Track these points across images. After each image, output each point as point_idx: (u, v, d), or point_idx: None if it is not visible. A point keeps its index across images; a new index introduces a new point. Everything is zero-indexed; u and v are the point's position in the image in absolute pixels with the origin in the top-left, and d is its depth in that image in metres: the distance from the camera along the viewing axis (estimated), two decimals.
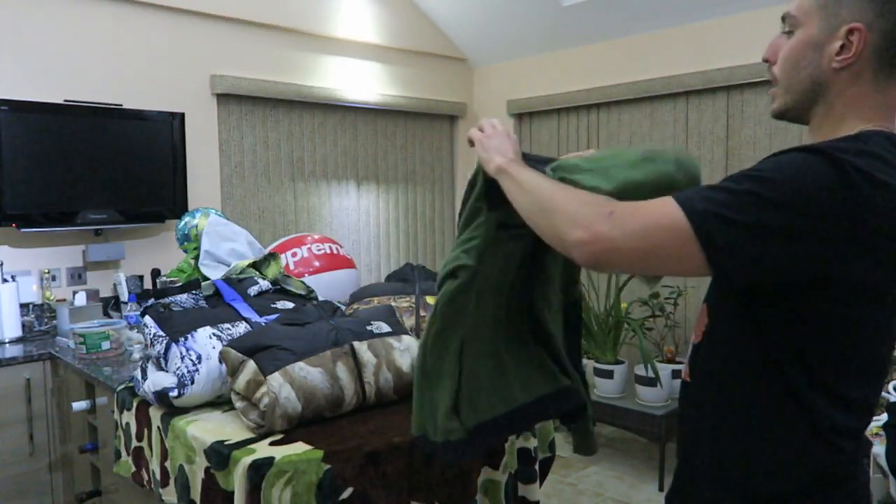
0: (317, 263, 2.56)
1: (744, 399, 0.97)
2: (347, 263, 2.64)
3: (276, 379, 1.51)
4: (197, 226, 2.51)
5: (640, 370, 3.45)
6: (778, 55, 1.01)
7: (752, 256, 0.85)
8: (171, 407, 1.65)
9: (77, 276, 3.22)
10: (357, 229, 4.38)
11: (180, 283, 2.02)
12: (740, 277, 0.88)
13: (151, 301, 1.82)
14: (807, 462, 0.94)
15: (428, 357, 1.23)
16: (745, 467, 0.97)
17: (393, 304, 2.09)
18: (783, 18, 1.01)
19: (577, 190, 1.03)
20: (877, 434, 2.16)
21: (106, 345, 2.41)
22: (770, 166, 0.87)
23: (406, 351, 1.74)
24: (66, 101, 3.09)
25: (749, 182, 0.85)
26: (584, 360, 3.81)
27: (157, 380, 1.67)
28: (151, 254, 3.42)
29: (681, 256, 0.88)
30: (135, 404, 1.80)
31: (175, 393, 1.62)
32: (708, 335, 1.04)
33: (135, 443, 1.81)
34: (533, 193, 1.05)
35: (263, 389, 1.50)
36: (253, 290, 1.93)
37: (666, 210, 0.88)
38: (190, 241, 2.53)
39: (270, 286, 2.00)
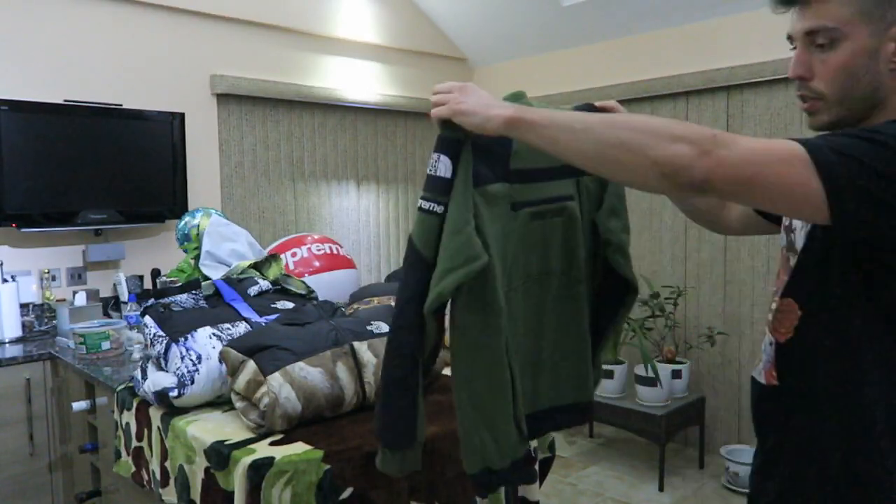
0: (317, 263, 2.56)
1: (876, 387, 0.92)
2: (347, 263, 2.64)
3: (276, 379, 1.51)
4: (198, 226, 2.51)
5: (640, 370, 3.45)
6: (814, 71, 0.97)
7: (876, 200, 0.81)
8: (171, 407, 1.65)
9: (77, 276, 3.22)
10: (357, 229, 4.39)
11: (180, 283, 2.02)
12: (860, 225, 0.83)
13: (151, 301, 1.82)
14: None
15: (474, 379, 1.08)
16: (886, 470, 0.92)
17: (393, 304, 2.09)
18: (808, 33, 0.97)
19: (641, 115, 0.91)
20: None
21: (106, 345, 2.41)
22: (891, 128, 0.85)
23: None
24: (66, 101, 3.09)
25: (872, 133, 0.83)
26: None
27: (157, 380, 1.67)
28: (151, 254, 3.41)
29: (796, 190, 0.82)
30: (135, 404, 1.80)
31: (175, 393, 1.62)
32: (804, 329, 0.99)
33: (135, 443, 1.81)
34: (589, 130, 0.90)
35: (263, 389, 1.50)
36: (253, 290, 1.93)
37: (780, 142, 0.83)
38: (190, 241, 2.53)
39: (270, 286, 2.00)
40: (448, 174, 1.02)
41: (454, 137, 1.03)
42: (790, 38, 1.01)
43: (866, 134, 0.84)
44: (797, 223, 1.05)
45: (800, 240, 1.03)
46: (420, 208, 1.04)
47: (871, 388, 0.93)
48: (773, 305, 1.06)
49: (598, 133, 0.89)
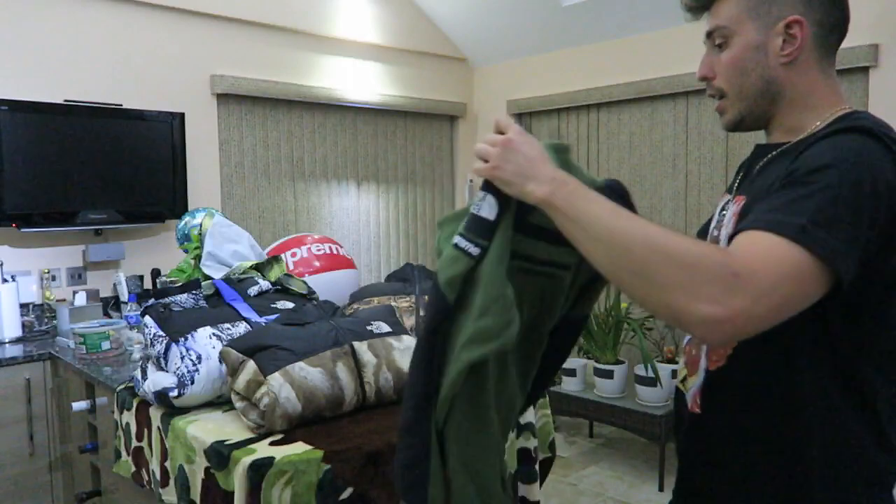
0: (317, 263, 2.56)
1: (799, 422, 0.91)
2: (347, 264, 2.64)
3: (276, 379, 1.51)
4: (199, 226, 2.50)
5: (640, 370, 3.45)
6: (715, 70, 1.02)
7: (864, 251, 0.81)
8: (171, 407, 1.65)
9: (77, 276, 3.21)
10: (357, 229, 4.38)
11: (180, 283, 2.02)
12: (852, 279, 0.81)
13: (151, 301, 1.82)
14: (867, 468, 0.92)
15: (469, 439, 0.99)
16: (792, 486, 0.92)
17: (393, 304, 2.09)
18: (709, 34, 1.02)
19: (667, 231, 0.82)
20: None
21: (106, 345, 2.41)
22: (833, 156, 0.84)
23: (406, 351, 1.74)
24: (66, 101, 3.09)
25: (832, 178, 0.81)
26: (584, 360, 3.82)
27: (157, 380, 1.67)
28: (151, 254, 3.41)
29: (812, 292, 0.81)
30: (135, 404, 1.80)
31: (175, 393, 1.62)
32: (737, 359, 0.95)
33: (135, 443, 1.81)
34: (610, 241, 0.83)
35: (263, 389, 1.50)
36: (253, 291, 1.93)
37: (784, 252, 0.79)
38: (190, 241, 2.53)
39: (270, 286, 2.00)
40: (492, 216, 0.95)
41: None
42: (704, 42, 1.06)
43: (835, 187, 0.81)
44: (722, 233, 1.01)
45: None
46: (455, 245, 0.96)
47: (804, 426, 0.91)
48: None
49: (618, 250, 0.82)
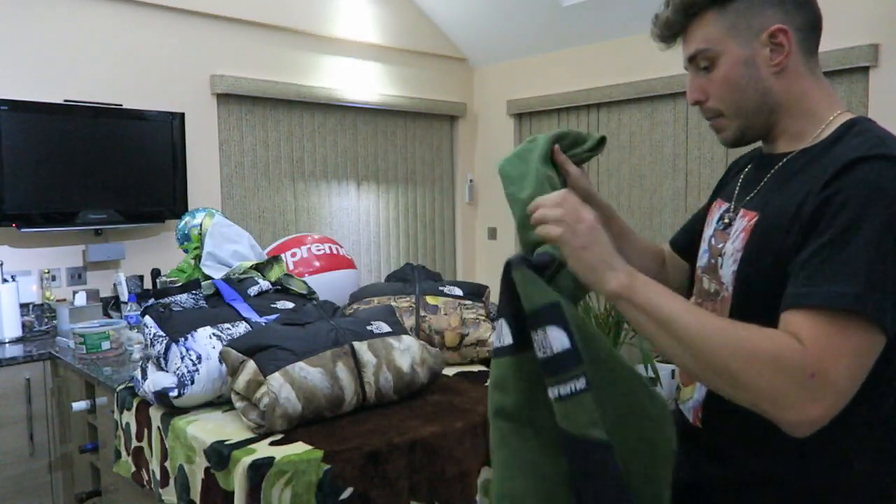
0: (317, 263, 2.56)
1: (806, 438, 0.87)
2: (347, 264, 2.64)
3: (276, 379, 1.51)
4: (199, 226, 2.50)
5: (640, 370, 3.45)
6: (707, 93, 1.01)
7: None
8: (171, 407, 1.65)
9: (77, 276, 3.21)
10: (357, 229, 4.38)
11: (180, 283, 2.02)
12: None
13: (151, 301, 1.82)
14: (872, 489, 0.92)
15: None
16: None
17: (393, 304, 2.09)
18: (691, 59, 1.02)
19: (739, 328, 0.83)
20: None
21: (106, 345, 2.41)
22: (865, 200, 0.83)
23: (406, 351, 1.74)
24: (66, 101, 3.09)
25: (871, 229, 0.81)
26: None
27: (157, 380, 1.67)
28: (151, 254, 3.41)
29: (876, 356, 0.82)
30: (135, 404, 1.80)
31: (175, 393, 1.62)
32: None
33: (135, 443, 1.81)
34: (690, 343, 0.83)
35: (263, 389, 1.50)
36: (253, 291, 1.93)
37: (850, 336, 0.80)
38: (190, 241, 2.52)
39: (270, 286, 2.00)
40: (567, 344, 0.85)
41: (549, 301, 0.85)
42: (686, 67, 1.05)
43: (880, 246, 0.81)
44: (728, 248, 1.01)
45: (727, 275, 0.99)
46: (559, 398, 0.86)
47: (811, 442, 0.88)
48: None
49: (699, 354, 0.83)
